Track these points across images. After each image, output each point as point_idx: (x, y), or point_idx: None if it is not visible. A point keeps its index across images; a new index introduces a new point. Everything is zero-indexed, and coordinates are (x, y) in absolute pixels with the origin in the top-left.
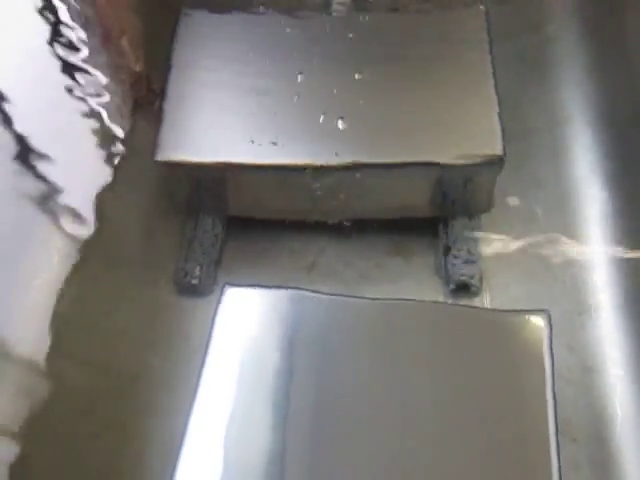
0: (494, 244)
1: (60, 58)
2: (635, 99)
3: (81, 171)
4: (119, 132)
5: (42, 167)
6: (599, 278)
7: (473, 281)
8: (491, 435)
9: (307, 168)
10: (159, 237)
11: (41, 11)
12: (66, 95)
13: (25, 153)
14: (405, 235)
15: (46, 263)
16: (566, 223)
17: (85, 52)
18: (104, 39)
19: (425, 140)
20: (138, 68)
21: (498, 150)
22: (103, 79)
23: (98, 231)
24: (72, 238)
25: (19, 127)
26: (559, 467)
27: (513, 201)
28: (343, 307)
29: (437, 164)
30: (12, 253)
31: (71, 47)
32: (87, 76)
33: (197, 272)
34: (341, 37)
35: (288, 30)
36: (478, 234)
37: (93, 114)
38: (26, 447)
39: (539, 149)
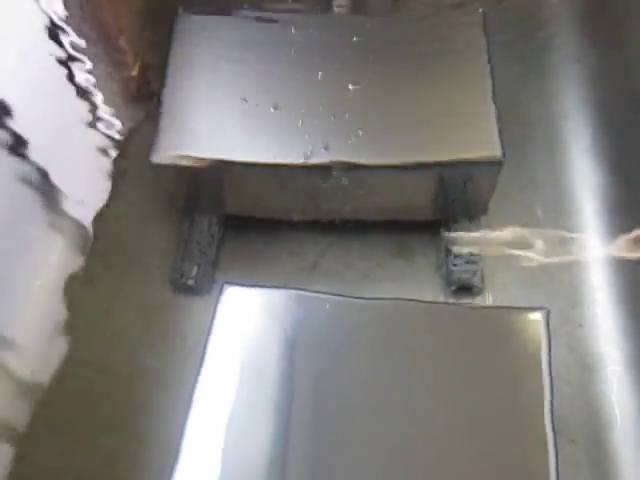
0: (494, 244)
1: (58, 58)
2: (634, 99)
3: (79, 172)
4: (116, 132)
5: (41, 169)
6: (597, 277)
7: (475, 282)
8: (490, 434)
9: (307, 168)
10: (156, 237)
11: (39, 11)
12: (64, 95)
13: (23, 154)
14: (406, 235)
15: (45, 263)
16: (565, 223)
17: (83, 52)
18: (102, 39)
19: (424, 141)
20: (136, 68)
21: (497, 150)
22: (101, 79)
23: (96, 231)
24: (70, 238)
25: (17, 128)
26: (557, 467)
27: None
28: (344, 307)
29: (437, 165)
30: (12, 253)
31: (69, 47)
32: (85, 76)
33: (194, 272)
34: (340, 39)
35: (286, 31)
36: (478, 234)
37: (90, 114)
38: (24, 447)
39: (538, 149)
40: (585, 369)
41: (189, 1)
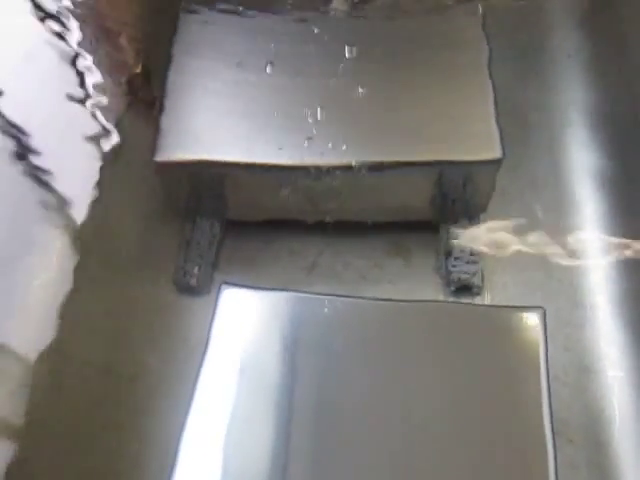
0: (493, 244)
1: (58, 58)
2: (633, 99)
3: (80, 172)
4: (117, 132)
5: (40, 169)
6: (596, 277)
7: (475, 282)
8: (489, 434)
9: (306, 168)
10: (158, 238)
11: (38, 11)
12: (64, 95)
13: (24, 154)
14: (405, 235)
15: (46, 264)
16: (564, 223)
17: (84, 51)
18: (103, 38)
19: (424, 140)
20: (137, 67)
21: (496, 150)
22: (101, 78)
23: (97, 232)
24: (71, 239)
25: (17, 128)
26: (555, 467)
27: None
28: (342, 308)
29: (436, 164)
30: (12, 254)
31: (69, 46)
32: (85, 76)
33: (196, 272)
34: (340, 39)
35: (287, 31)
36: (478, 234)
37: (91, 114)
38: (25, 447)
39: (537, 149)
40: (584, 370)
41: (191, 1)
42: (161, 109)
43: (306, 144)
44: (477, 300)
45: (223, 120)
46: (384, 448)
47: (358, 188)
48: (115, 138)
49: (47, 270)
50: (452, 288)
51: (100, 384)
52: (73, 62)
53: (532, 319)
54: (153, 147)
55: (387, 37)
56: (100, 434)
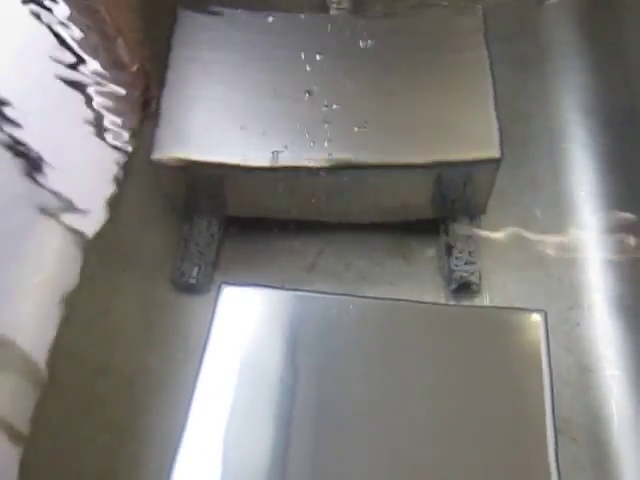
0: (493, 244)
1: (58, 59)
2: (632, 100)
3: (79, 172)
4: (116, 132)
5: (41, 169)
6: (596, 278)
7: (474, 280)
8: (491, 434)
9: (306, 169)
10: (156, 237)
11: (38, 11)
12: (63, 96)
13: (24, 155)
14: (405, 235)
15: (45, 263)
16: (563, 223)
17: (83, 52)
18: (102, 39)
19: (424, 141)
20: (136, 68)
21: (496, 150)
22: (100, 79)
23: (96, 231)
24: (71, 239)
25: (18, 129)
26: (558, 466)
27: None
28: (342, 307)
29: (436, 164)
30: (12, 253)
31: (68, 47)
32: (84, 76)
33: (194, 272)
34: (340, 39)
35: (286, 31)
36: (478, 234)
37: (90, 115)
38: (24, 447)
39: (537, 149)
40: (584, 370)
41: (189, 1)
42: (159, 109)
43: (305, 144)
44: (477, 299)
45: (221, 120)
46: (384, 448)
47: (358, 188)
48: (114, 138)
49: (46, 270)
50: (452, 287)
51: (99, 384)
52: (71, 65)
53: (534, 321)
54: (151, 147)
55: (387, 37)
56: (99, 434)
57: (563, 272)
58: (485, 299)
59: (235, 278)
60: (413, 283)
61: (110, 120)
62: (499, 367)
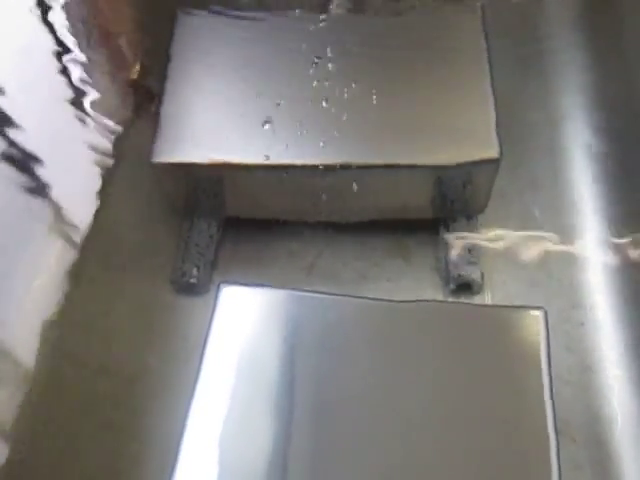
0: (492, 244)
1: (57, 59)
2: (632, 100)
3: (78, 173)
4: (116, 133)
5: (39, 170)
6: (597, 278)
7: (475, 280)
8: (491, 434)
9: (306, 169)
10: (156, 237)
11: (37, 12)
12: (63, 96)
13: (22, 156)
14: (405, 235)
15: (45, 264)
16: (563, 223)
17: (83, 53)
18: (102, 39)
19: (423, 141)
20: (136, 69)
21: (495, 150)
22: (100, 80)
23: (96, 232)
24: (70, 239)
25: (16, 130)
26: (559, 466)
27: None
28: (341, 307)
29: (435, 165)
30: (12, 254)
31: (68, 48)
32: (84, 77)
33: (195, 272)
34: (340, 38)
35: (286, 31)
36: (478, 234)
37: (90, 115)
38: (24, 447)
39: (536, 149)
40: (585, 369)
41: (189, 1)
42: (159, 110)
43: (305, 144)
44: (477, 299)
45: (221, 121)
46: (384, 448)
47: (357, 188)
48: (114, 139)
49: (46, 271)
50: (452, 287)
51: (99, 384)
52: (71, 65)
53: (534, 319)
54: (151, 147)
55: (387, 37)
56: (99, 434)
57: (563, 272)
58: (485, 298)
59: (235, 278)
60: (413, 283)
61: (102, 118)
62: (499, 365)
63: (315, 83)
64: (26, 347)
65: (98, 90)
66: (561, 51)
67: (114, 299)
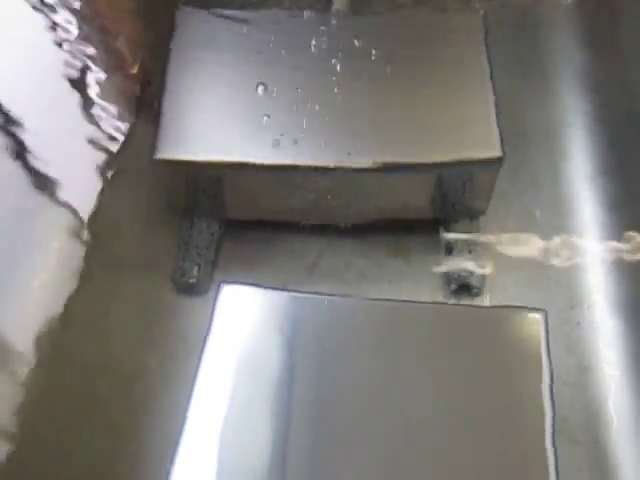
0: (492, 244)
1: (57, 59)
2: (631, 100)
3: (79, 172)
4: (117, 132)
5: (40, 168)
6: (596, 278)
7: (474, 281)
8: (490, 435)
9: (306, 169)
10: (156, 237)
11: (38, 12)
12: (63, 96)
13: (24, 154)
14: (405, 235)
15: (45, 264)
16: (563, 224)
17: (83, 52)
18: (101, 38)
19: (424, 141)
20: (136, 68)
21: (496, 151)
22: (101, 79)
23: (95, 232)
24: (70, 239)
25: (18, 129)
26: (556, 467)
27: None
28: (342, 307)
29: (436, 165)
30: (11, 254)
31: (68, 47)
32: (84, 77)
33: (195, 272)
34: (340, 39)
35: (286, 30)
36: (478, 234)
37: (90, 114)
38: (24, 447)
39: (537, 150)
40: (584, 370)
41: (188, 1)
42: (160, 109)
43: (306, 144)
44: (477, 300)
45: (222, 120)
46: (383, 448)
47: (358, 188)
48: (114, 137)
49: (46, 270)
50: (452, 287)
51: (99, 384)
52: (71, 66)
53: (534, 321)
54: (151, 147)
55: (387, 37)
56: (99, 434)
57: (563, 272)
58: (485, 299)
59: (235, 278)
60: (413, 283)
61: (103, 117)
62: (499, 366)
63: (315, 82)
64: (26, 347)
65: (99, 90)
66: (561, 53)
67: (114, 299)
